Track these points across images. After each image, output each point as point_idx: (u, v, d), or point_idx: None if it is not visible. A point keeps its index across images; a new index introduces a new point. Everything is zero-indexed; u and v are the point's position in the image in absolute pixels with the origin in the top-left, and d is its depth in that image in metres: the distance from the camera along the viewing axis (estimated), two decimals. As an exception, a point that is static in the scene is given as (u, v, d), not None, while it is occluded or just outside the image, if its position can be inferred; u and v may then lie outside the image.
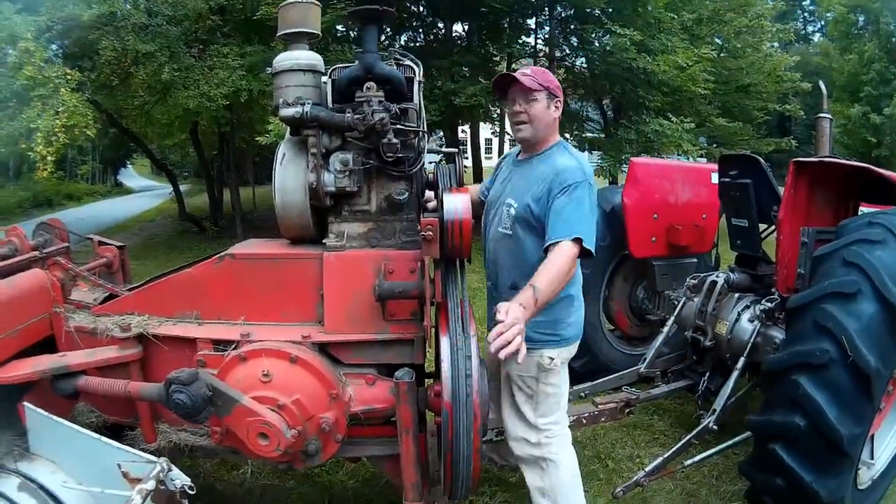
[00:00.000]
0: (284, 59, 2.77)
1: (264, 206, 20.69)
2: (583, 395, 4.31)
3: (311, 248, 2.81)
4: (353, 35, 13.84)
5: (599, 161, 14.98)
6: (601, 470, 3.98)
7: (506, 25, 15.55)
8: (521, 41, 16.32)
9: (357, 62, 2.72)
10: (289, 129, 2.84)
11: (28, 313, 2.86)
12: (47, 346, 2.96)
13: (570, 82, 16.56)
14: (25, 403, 2.55)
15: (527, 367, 2.98)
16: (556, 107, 3.04)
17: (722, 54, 17.39)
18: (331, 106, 2.75)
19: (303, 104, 2.62)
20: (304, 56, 2.77)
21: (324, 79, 2.82)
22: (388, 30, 15.09)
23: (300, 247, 2.86)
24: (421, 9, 15.70)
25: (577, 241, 2.75)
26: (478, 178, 19.87)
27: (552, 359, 3.00)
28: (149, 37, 11.42)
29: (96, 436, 2.39)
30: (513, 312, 2.27)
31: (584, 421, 3.94)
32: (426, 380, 2.93)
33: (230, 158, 18.15)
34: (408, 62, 2.86)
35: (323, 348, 2.66)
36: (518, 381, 3.08)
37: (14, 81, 10.53)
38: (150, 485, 2.09)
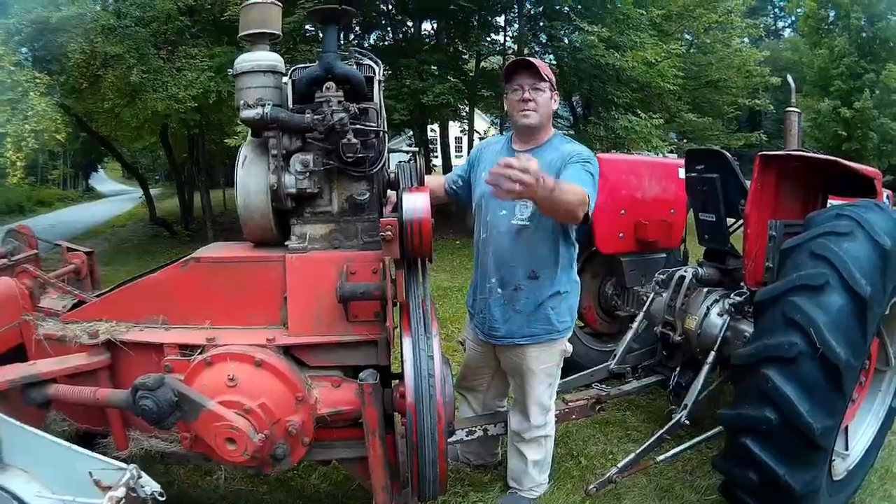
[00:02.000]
0: (245, 60, 2.76)
1: (235, 208, 20.64)
2: None
3: (275, 250, 2.80)
4: (321, 35, 13.82)
5: None
6: (574, 468, 3.97)
7: (475, 23, 15.60)
8: (489, 39, 16.37)
9: (317, 62, 2.72)
10: (250, 130, 2.83)
11: None
12: (18, 355, 2.92)
13: None
14: None
15: (550, 357, 3.39)
16: (555, 99, 3.31)
17: (691, 50, 17.57)
18: (291, 107, 2.74)
19: (263, 105, 2.62)
20: (264, 57, 2.76)
21: (284, 79, 2.81)
22: (357, 28, 15.08)
23: (263, 249, 2.85)
24: (389, 7, 15.75)
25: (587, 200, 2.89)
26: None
27: (569, 344, 3.49)
28: (117, 38, 11.36)
29: (67, 444, 2.37)
30: (534, 166, 2.39)
31: (556, 418, 3.89)
32: (393, 381, 2.92)
33: (200, 161, 18.09)
34: (368, 61, 2.86)
35: (287, 351, 2.65)
36: (541, 374, 3.39)
37: None
38: (121, 492, 2.07)
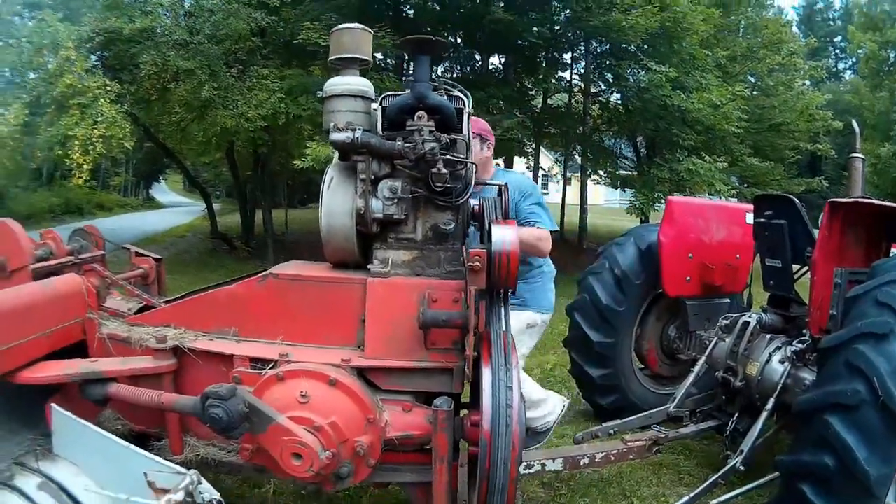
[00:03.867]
0: (336, 83, 2.80)
1: (296, 228, 20.93)
2: (611, 432, 4.29)
3: (356, 273, 2.82)
4: (391, 63, 13.91)
5: (632, 199, 15.00)
6: None
7: (542, 60, 15.68)
8: (556, 76, 16.36)
9: (408, 91, 2.74)
10: (337, 153, 2.86)
11: (62, 316, 2.89)
12: (78, 350, 2.98)
13: (604, 118, 16.73)
14: (53, 405, 2.56)
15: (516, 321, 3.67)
16: (489, 147, 3.94)
17: (755, 92, 17.38)
18: (381, 133, 2.76)
19: (353, 129, 2.66)
20: (355, 82, 2.80)
21: (374, 106, 2.84)
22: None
23: (344, 271, 2.87)
24: (458, 40, 15.86)
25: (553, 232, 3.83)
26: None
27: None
28: (189, 54, 11.57)
29: (125, 443, 2.39)
30: None
31: (613, 458, 3.91)
32: (460, 410, 2.91)
33: (264, 180, 18.29)
34: (457, 93, 2.89)
35: (362, 373, 2.66)
36: None
37: (54, 88, 10.74)
38: (180, 496, 2.08)
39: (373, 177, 2.71)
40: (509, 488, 2.43)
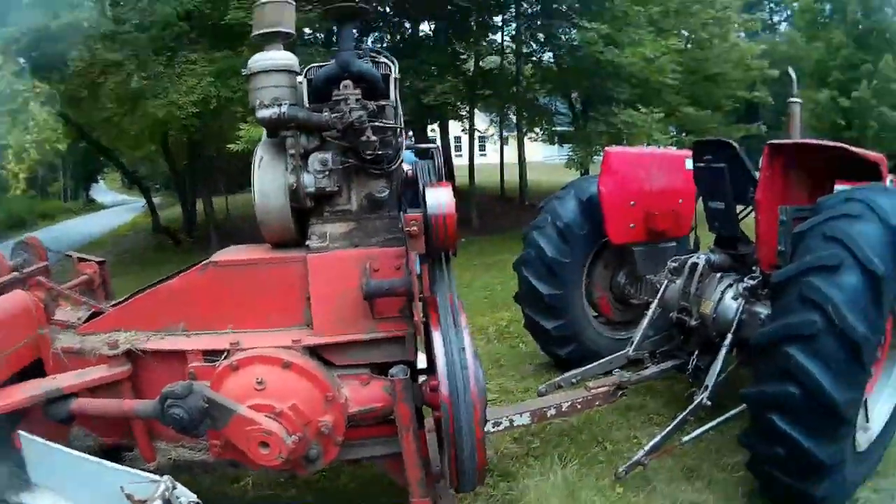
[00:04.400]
0: (260, 59, 2.77)
1: (238, 214, 20.51)
2: (574, 381, 4.34)
3: (295, 250, 2.80)
4: (321, 38, 13.77)
5: (570, 154, 15.08)
6: (601, 453, 4.02)
7: (473, 23, 15.60)
8: (488, 39, 16.36)
9: (333, 61, 2.72)
10: (265, 131, 2.83)
11: (14, 338, 2.81)
12: (35, 371, 2.90)
13: (537, 78, 16.73)
14: (20, 433, 2.52)
15: None
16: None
17: (689, 45, 17.58)
18: (308, 106, 2.73)
19: (280, 105, 2.63)
20: (279, 56, 2.77)
21: (299, 78, 2.80)
22: (355, 31, 15.15)
23: (283, 250, 2.85)
24: (387, 9, 15.74)
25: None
26: (450, 176, 19.89)
27: None
28: (117, 45, 11.35)
29: (96, 460, 2.37)
30: None
31: (579, 406, 3.96)
32: (419, 376, 2.91)
33: (201, 168, 18.03)
34: (383, 59, 2.88)
35: (314, 351, 2.65)
36: None
37: None
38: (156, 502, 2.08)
39: (302, 151, 2.70)
40: (478, 448, 2.47)
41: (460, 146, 26.00)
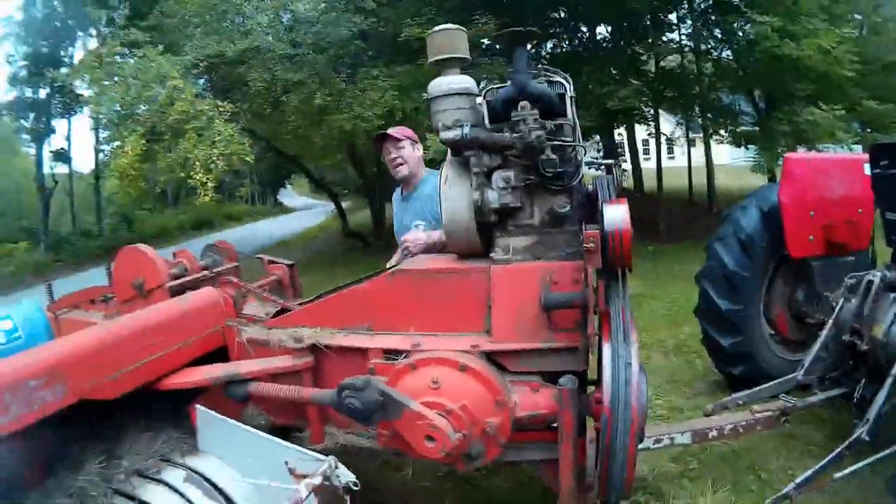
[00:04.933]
0: (439, 84, 2.93)
1: None
2: (740, 402, 4.22)
3: (479, 261, 2.94)
4: (499, 47, 14.12)
5: (755, 157, 14.54)
6: (754, 482, 3.95)
7: (648, 23, 15.38)
8: (665, 38, 16.00)
9: (509, 83, 2.84)
10: (449, 150, 2.98)
11: (200, 326, 3.17)
12: (220, 357, 3.24)
13: (718, 76, 16.08)
14: (197, 406, 2.80)
15: None
16: (417, 148, 4.26)
17: (863, 32, 16.39)
18: (488, 126, 2.87)
19: (461, 126, 2.77)
20: (456, 80, 2.92)
21: (478, 100, 2.94)
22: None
23: (468, 261, 2.99)
24: (562, 14, 15.82)
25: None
26: (637, 180, 19.66)
27: None
28: (296, 66, 11.99)
29: (265, 435, 2.58)
30: (413, 237, 3.74)
31: (741, 430, 3.89)
32: (588, 387, 3.00)
33: (389, 175, 18.68)
34: (558, 78, 2.94)
35: (490, 357, 2.79)
36: None
37: (168, 117, 11.38)
38: (317, 480, 2.23)
39: (486, 169, 2.82)
40: (629, 462, 2.53)
41: (648, 150, 25.48)
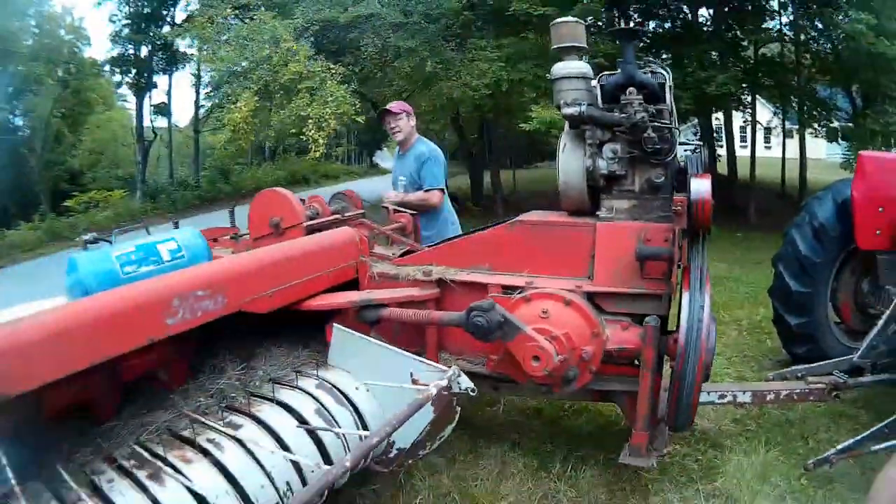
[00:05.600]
0: (561, 68, 3.50)
1: (521, 188, 21.75)
2: (798, 375, 4.52)
3: (587, 218, 3.51)
4: (602, 26, 14.34)
5: (846, 153, 14.44)
6: (801, 447, 4.26)
7: (749, 7, 15.21)
8: (763, 25, 15.70)
9: (619, 71, 3.40)
10: (567, 123, 3.53)
11: (338, 259, 3.69)
12: (351, 287, 3.73)
13: (817, 67, 15.81)
14: (335, 324, 3.29)
15: None
16: (411, 120, 5.20)
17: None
18: (601, 106, 3.43)
19: (579, 104, 3.34)
20: (576, 66, 3.48)
21: (593, 83, 3.50)
22: (636, 16, 15.59)
23: (577, 217, 3.56)
24: None
25: (441, 190, 5.01)
26: (732, 166, 19.37)
27: None
28: (407, 34, 12.50)
29: (395, 349, 3.03)
30: (391, 197, 4.86)
31: (795, 397, 4.20)
32: (667, 330, 3.48)
33: (490, 143, 19.29)
34: (659, 70, 3.47)
35: (591, 297, 3.35)
36: None
37: (281, 77, 12.00)
38: (444, 382, 2.60)
39: (598, 142, 3.40)
40: (695, 388, 3.09)
41: (745, 137, 25.02)
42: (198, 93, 30.30)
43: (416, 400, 2.51)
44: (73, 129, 30.25)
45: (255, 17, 13.37)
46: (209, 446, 2.62)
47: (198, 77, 29.90)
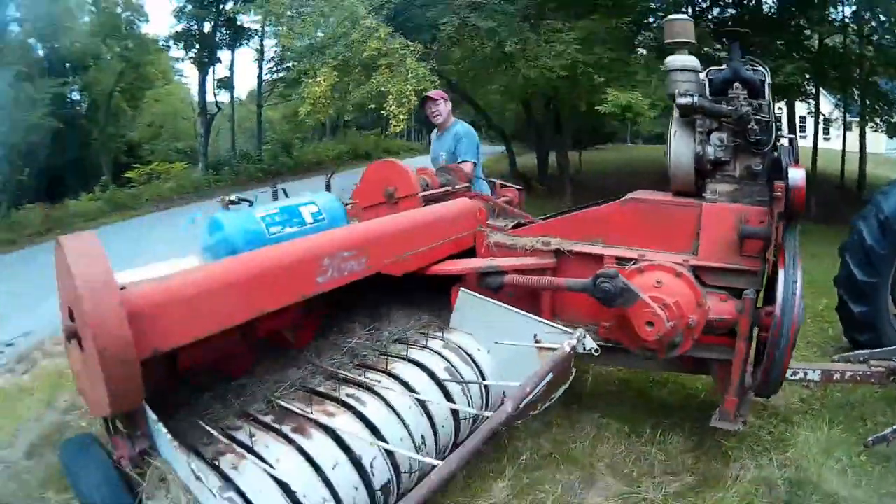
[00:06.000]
0: (675, 60, 3.88)
1: (588, 169, 21.91)
2: (861, 359, 4.64)
3: (693, 199, 3.85)
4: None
5: None
6: (861, 427, 4.47)
7: None
8: (826, 15, 15.32)
9: (726, 68, 3.79)
10: (678, 111, 3.87)
11: (461, 228, 4.00)
12: (467, 256, 3.95)
13: (880, 61, 15.48)
14: (461, 288, 3.57)
15: None
16: (448, 104, 5.98)
17: None
18: (709, 98, 3.79)
19: (692, 95, 3.72)
20: (688, 60, 3.87)
21: (701, 76, 3.86)
22: (704, 3, 15.60)
23: (684, 198, 3.91)
24: None
25: (473, 163, 5.59)
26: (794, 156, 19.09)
27: None
28: (487, 14, 12.64)
29: (519, 311, 3.29)
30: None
31: (858, 378, 4.35)
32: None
33: (559, 124, 19.32)
34: (760, 68, 3.85)
35: (695, 270, 3.69)
36: None
37: (361, 53, 12.32)
38: (574, 340, 2.89)
39: (707, 130, 3.78)
40: (787, 352, 3.44)
41: (805, 127, 24.62)
42: (260, 68, 30.78)
43: (555, 355, 2.76)
44: (132, 104, 30.92)
45: None
46: (350, 400, 2.81)
47: (261, 52, 30.39)
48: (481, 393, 3.44)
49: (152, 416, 2.26)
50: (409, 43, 12.55)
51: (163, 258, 3.06)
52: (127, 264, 2.85)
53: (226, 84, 30.70)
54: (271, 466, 2.39)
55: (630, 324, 3.46)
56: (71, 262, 2.15)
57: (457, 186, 4.73)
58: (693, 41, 3.93)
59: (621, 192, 4.09)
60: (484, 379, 3.36)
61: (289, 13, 14.39)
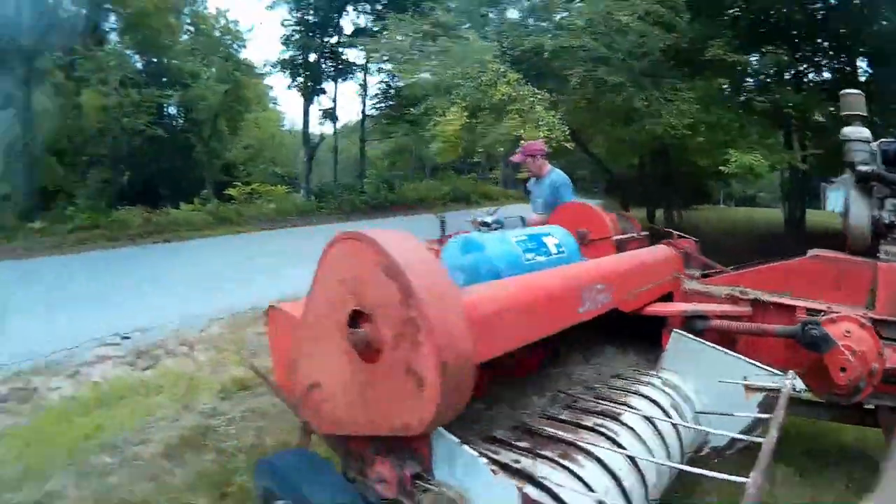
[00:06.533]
0: (852, 132, 4.32)
1: (688, 229, 21.59)
2: None
3: (869, 258, 4.20)
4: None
5: None
6: None
7: None
8: None
9: (893, 140, 4.24)
10: (855, 177, 4.29)
11: (665, 273, 4.22)
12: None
13: None
14: (674, 330, 3.70)
15: None
16: (540, 157, 6.34)
17: None
18: (879, 164, 4.22)
19: (867, 164, 4.17)
20: (863, 131, 4.32)
21: (872, 146, 4.30)
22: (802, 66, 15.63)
23: (861, 258, 4.26)
24: (825, 43, 15.94)
25: None
26: None
27: None
28: (613, 68, 12.86)
29: (733, 354, 3.34)
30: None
31: None
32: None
33: (674, 181, 19.52)
34: None
35: (873, 322, 3.97)
36: None
37: (491, 96, 12.69)
38: (790, 380, 3.00)
39: (883, 196, 4.20)
40: None
41: None
42: (364, 103, 31.91)
43: (774, 396, 2.94)
44: (230, 125, 32.20)
45: (464, 37, 14.18)
46: (603, 430, 2.85)
47: (364, 87, 31.52)
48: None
49: (452, 438, 2.19)
50: (537, 91, 12.91)
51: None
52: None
53: (330, 115, 31.74)
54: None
55: (825, 369, 3.78)
56: (400, 261, 2.05)
57: (635, 234, 5.14)
58: (865, 114, 4.38)
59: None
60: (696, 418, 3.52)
61: (410, 51, 14.99)
